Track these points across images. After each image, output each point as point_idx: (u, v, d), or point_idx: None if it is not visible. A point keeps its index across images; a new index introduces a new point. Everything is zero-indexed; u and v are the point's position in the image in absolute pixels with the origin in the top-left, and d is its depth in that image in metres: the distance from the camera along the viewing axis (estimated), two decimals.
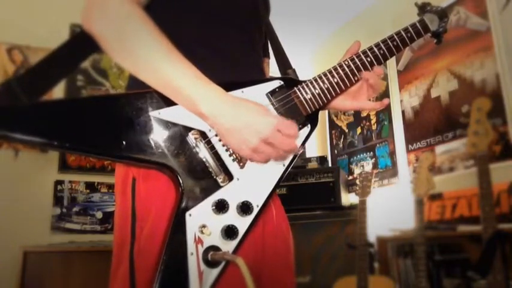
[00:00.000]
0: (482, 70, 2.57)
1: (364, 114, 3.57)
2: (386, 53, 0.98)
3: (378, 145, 3.37)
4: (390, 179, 3.18)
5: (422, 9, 1.05)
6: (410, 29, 1.01)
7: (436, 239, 2.33)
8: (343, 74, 0.96)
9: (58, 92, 2.89)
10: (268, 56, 1.16)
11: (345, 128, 3.78)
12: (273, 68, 1.15)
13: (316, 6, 3.58)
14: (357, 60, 0.97)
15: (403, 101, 3.15)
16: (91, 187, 3.05)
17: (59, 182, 2.96)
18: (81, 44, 0.88)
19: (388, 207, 2.95)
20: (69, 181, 2.99)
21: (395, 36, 0.99)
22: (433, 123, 2.87)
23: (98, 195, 3.05)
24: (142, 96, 0.81)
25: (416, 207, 2.16)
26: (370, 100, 1.02)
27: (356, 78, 0.97)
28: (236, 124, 0.79)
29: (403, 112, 3.14)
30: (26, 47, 2.97)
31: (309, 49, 4.27)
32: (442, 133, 2.78)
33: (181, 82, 0.79)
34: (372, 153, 3.42)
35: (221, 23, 0.95)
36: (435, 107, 2.87)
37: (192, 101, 0.79)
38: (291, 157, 0.89)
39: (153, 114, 0.81)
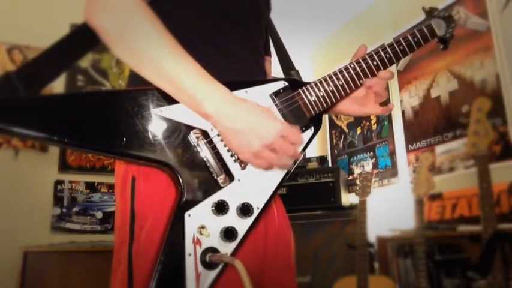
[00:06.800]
0: (482, 70, 2.57)
1: None
2: (393, 57, 0.97)
3: (377, 145, 3.37)
4: (390, 179, 3.18)
5: (430, 14, 1.04)
6: (417, 33, 0.99)
7: (436, 239, 2.32)
8: (348, 77, 0.94)
9: (58, 91, 2.89)
10: (269, 54, 1.14)
11: (345, 128, 3.78)
12: (275, 68, 1.13)
13: (315, 7, 3.57)
14: (362, 63, 0.96)
15: (403, 101, 3.14)
16: (91, 187, 3.04)
17: (59, 182, 2.95)
18: (82, 37, 0.85)
19: (388, 207, 2.95)
20: (69, 181, 2.98)
21: (402, 41, 0.98)
22: (433, 123, 2.87)
23: (98, 195, 3.05)
24: (144, 93, 0.79)
25: (416, 207, 2.15)
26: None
27: (361, 82, 0.96)
28: (240, 126, 0.78)
29: (403, 112, 3.13)
30: (26, 47, 2.97)
31: (308, 50, 4.26)
32: (442, 133, 2.78)
33: (185, 80, 0.77)
34: (372, 153, 3.42)
35: (222, 20, 0.94)
36: (435, 107, 2.87)
37: (196, 100, 0.78)
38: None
39: (155, 111, 0.79)
